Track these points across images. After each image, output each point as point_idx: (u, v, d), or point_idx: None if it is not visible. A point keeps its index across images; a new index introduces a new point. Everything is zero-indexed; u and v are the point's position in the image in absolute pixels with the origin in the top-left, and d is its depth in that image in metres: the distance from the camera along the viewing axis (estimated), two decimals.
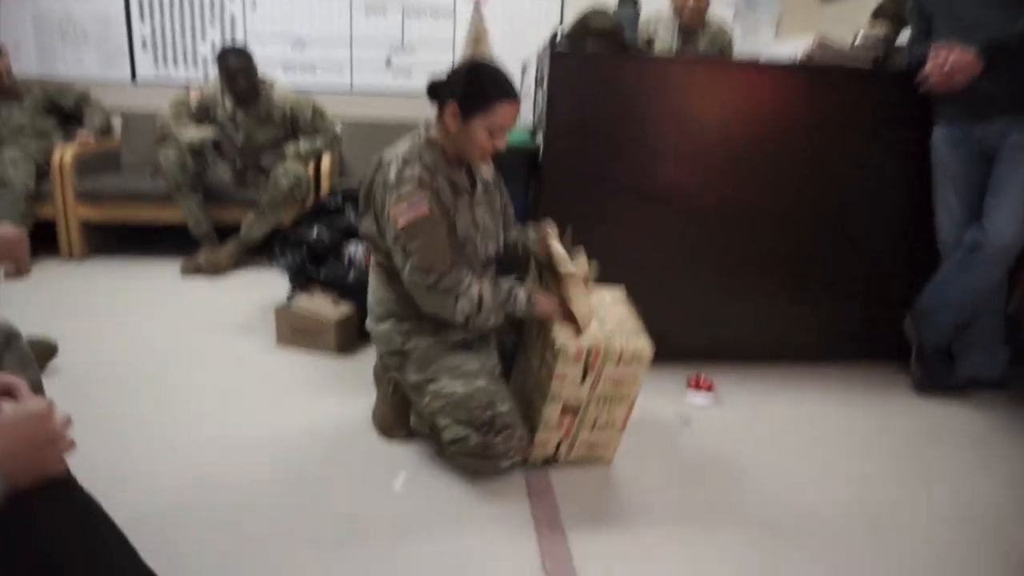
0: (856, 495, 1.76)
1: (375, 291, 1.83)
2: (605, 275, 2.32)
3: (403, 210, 1.62)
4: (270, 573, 1.38)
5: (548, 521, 1.58)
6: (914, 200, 2.44)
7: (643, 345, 1.67)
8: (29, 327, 2.39)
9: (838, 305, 2.54)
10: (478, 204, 1.78)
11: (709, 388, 2.29)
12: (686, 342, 2.49)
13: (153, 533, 1.46)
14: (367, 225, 1.75)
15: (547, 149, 2.32)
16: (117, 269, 3.49)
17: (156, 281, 3.30)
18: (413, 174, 1.62)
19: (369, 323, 1.85)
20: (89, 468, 1.66)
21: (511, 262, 1.93)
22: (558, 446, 1.75)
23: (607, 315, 1.76)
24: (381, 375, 1.90)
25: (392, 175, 1.64)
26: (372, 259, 1.83)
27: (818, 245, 2.47)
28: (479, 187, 1.79)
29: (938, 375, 2.37)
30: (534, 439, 1.72)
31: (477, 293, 1.65)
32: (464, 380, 1.68)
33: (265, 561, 1.42)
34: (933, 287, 2.33)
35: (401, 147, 1.69)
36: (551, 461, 1.78)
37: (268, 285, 3.15)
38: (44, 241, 3.50)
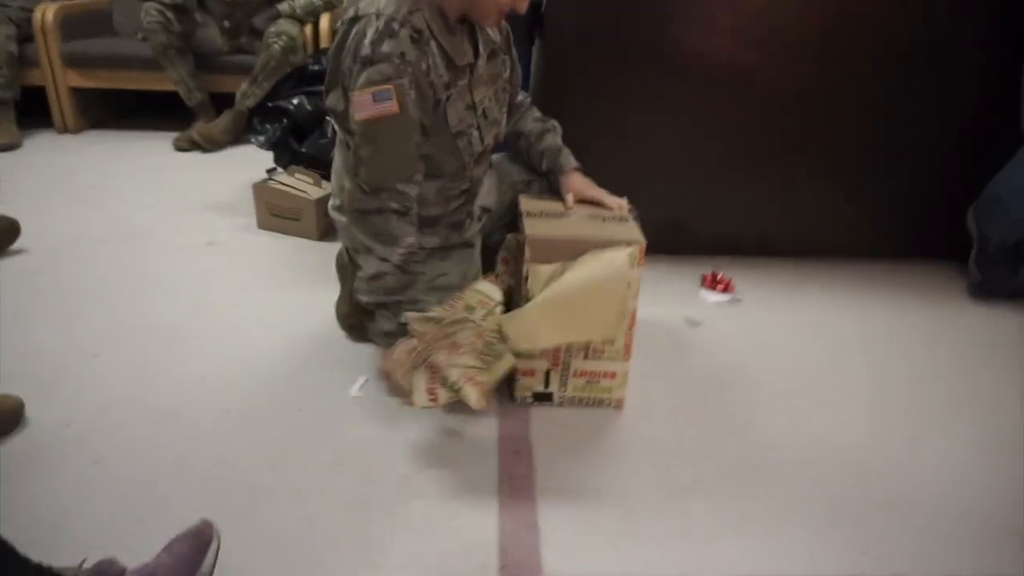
0: (880, 419, 1.53)
1: (339, 175, 1.54)
2: (609, 154, 2.02)
3: (366, 101, 1.29)
4: (208, 474, 1.26)
5: (513, 441, 1.41)
6: (985, 76, 2.00)
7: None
8: (8, 203, 2.30)
9: (884, 194, 2.16)
10: (479, 83, 1.44)
11: (726, 287, 2.02)
12: (703, 234, 2.20)
13: (98, 427, 1.39)
14: (334, 99, 1.42)
15: (552, 4, 1.95)
16: (111, 142, 3.30)
17: (148, 156, 3.12)
18: (393, 51, 1.27)
19: (331, 209, 1.60)
20: (37, 357, 1.59)
21: (517, 153, 1.66)
22: (547, 377, 1.48)
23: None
24: (345, 266, 1.68)
25: (367, 43, 1.28)
26: (338, 135, 1.53)
27: (863, 124, 2.07)
28: (482, 57, 1.44)
29: (999, 278, 2.04)
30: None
31: (393, 267, 1.40)
32: (438, 294, 1.45)
33: (204, 461, 1.30)
34: (1006, 173, 1.95)
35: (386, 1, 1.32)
36: (545, 399, 1.51)
37: (264, 163, 2.93)
38: (36, 111, 3.32)
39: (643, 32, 1.94)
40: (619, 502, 1.27)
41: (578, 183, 1.56)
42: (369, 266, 1.44)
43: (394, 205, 1.37)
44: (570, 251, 1.37)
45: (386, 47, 1.27)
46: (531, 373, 1.47)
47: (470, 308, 1.37)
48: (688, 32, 1.94)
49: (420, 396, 1.29)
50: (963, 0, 1.92)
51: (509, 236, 1.55)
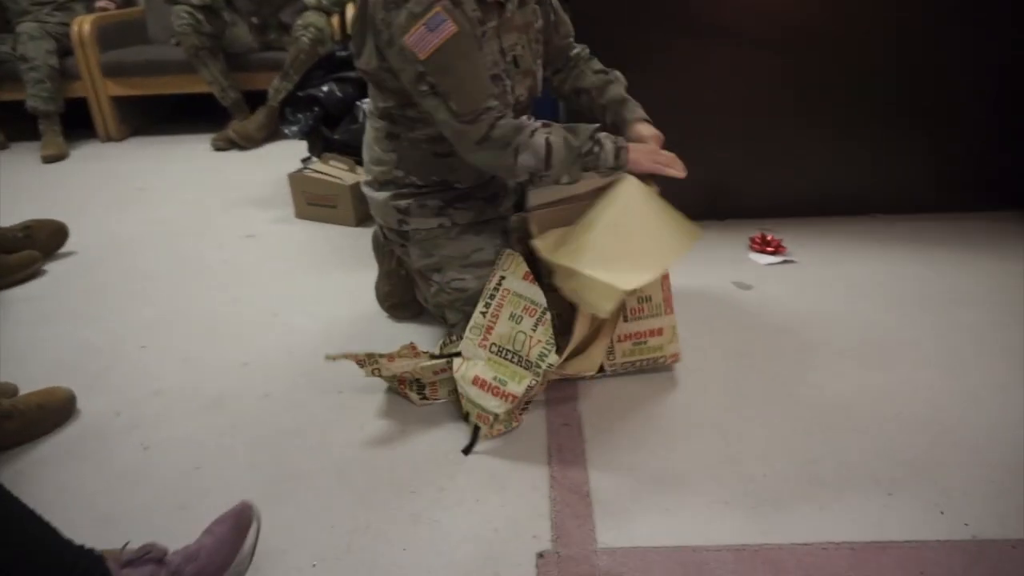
0: (946, 375, 1.43)
1: (371, 147, 1.48)
2: (650, 118, 1.94)
3: (422, 35, 1.19)
4: (251, 458, 1.25)
5: (562, 413, 1.36)
6: None
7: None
8: (58, 209, 2.36)
9: (938, 146, 2.04)
10: (508, 27, 1.34)
11: (777, 248, 1.93)
12: (748, 197, 2.11)
13: (145, 416, 1.40)
14: (367, 59, 1.33)
15: None
16: (153, 147, 3.37)
17: (189, 158, 3.17)
18: None
19: (364, 187, 1.54)
20: (87, 351, 1.62)
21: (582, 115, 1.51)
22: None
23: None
24: (382, 245, 1.64)
25: None
26: (369, 104, 1.48)
27: (916, 72, 1.94)
28: (512, 1, 1.34)
29: None
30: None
31: (544, 142, 1.26)
32: (475, 271, 1.41)
33: (247, 446, 1.29)
34: None
35: None
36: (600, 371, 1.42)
37: (300, 155, 2.94)
38: (81, 122, 3.41)
39: None
40: (672, 471, 1.21)
41: (645, 134, 1.43)
42: (525, 167, 1.29)
43: (503, 131, 1.26)
44: (569, 212, 1.32)
45: None
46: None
47: (516, 318, 1.32)
48: None
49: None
50: None
51: (514, 217, 1.49)
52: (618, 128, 1.47)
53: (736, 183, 2.09)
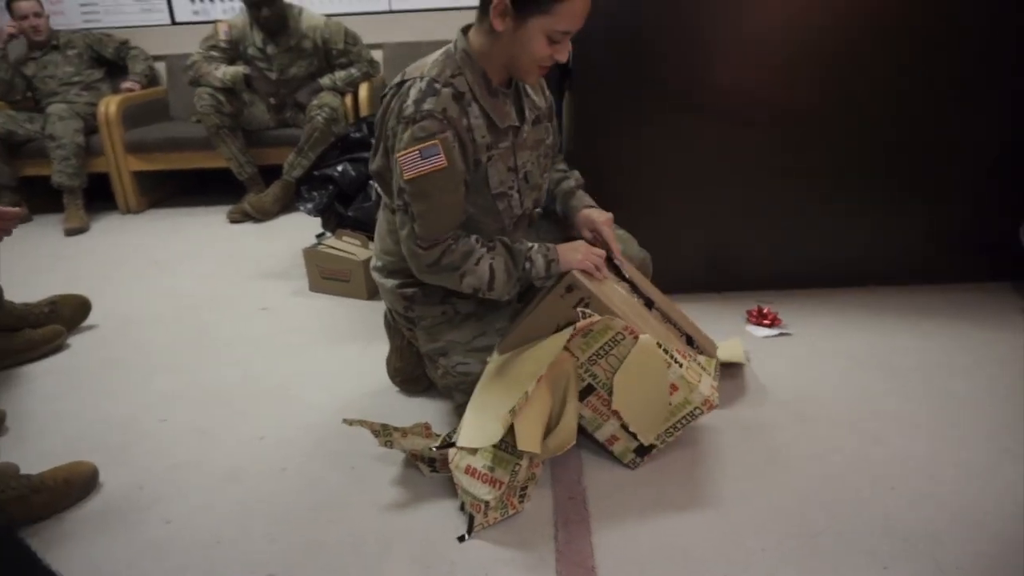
0: (943, 447, 1.48)
1: (382, 238, 1.60)
2: (648, 196, 2.04)
3: (413, 158, 1.30)
4: (268, 531, 1.30)
5: (567, 486, 1.41)
6: None
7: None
8: (79, 282, 2.45)
9: (932, 218, 2.14)
10: (523, 147, 1.46)
11: (773, 321, 2.00)
12: (745, 270, 2.20)
13: (167, 489, 1.45)
14: (378, 162, 1.47)
15: (580, 53, 2.00)
16: (170, 220, 3.49)
17: (206, 230, 3.29)
18: (435, 107, 1.29)
19: (374, 272, 1.65)
20: (109, 425, 1.68)
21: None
22: (626, 430, 1.42)
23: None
24: (392, 325, 1.73)
25: (410, 103, 1.31)
26: (382, 200, 1.59)
27: (910, 145, 2.05)
28: (527, 120, 1.46)
29: None
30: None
31: (488, 269, 1.38)
32: (478, 356, 1.49)
33: (264, 519, 1.33)
34: None
35: (430, 63, 1.38)
36: (646, 450, 1.43)
37: (314, 229, 3.06)
38: (102, 195, 3.55)
39: (671, 75, 1.98)
40: (674, 545, 1.25)
41: (594, 216, 1.55)
42: (470, 287, 1.41)
43: (452, 260, 1.38)
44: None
45: (428, 104, 1.30)
46: (613, 440, 1.45)
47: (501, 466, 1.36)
48: (716, 71, 1.98)
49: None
50: (1010, 23, 1.91)
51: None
52: (567, 215, 1.61)
53: (733, 255, 2.18)
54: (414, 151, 1.31)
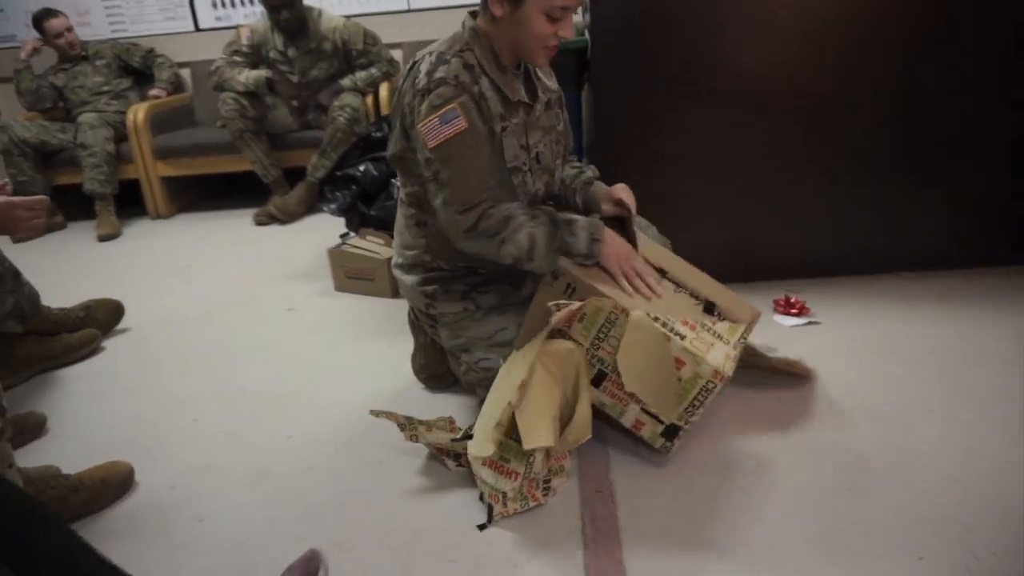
0: (971, 433, 1.44)
1: (401, 233, 1.60)
2: (670, 187, 2.03)
3: (434, 126, 1.31)
4: (296, 530, 1.32)
5: (594, 479, 1.41)
6: None
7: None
8: (113, 287, 2.51)
9: (963, 200, 2.08)
10: (534, 126, 1.46)
11: (801, 310, 1.97)
12: (774, 256, 2.17)
13: (199, 488, 1.48)
14: (395, 145, 1.46)
15: (597, 43, 2.00)
16: (199, 224, 3.56)
17: (232, 233, 3.34)
18: (447, 74, 1.31)
19: (395, 269, 1.65)
20: (143, 425, 1.72)
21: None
22: (649, 413, 1.38)
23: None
24: (415, 323, 1.74)
25: (422, 75, 1.33)
26: (400, 190, 1.59)
27: (934, 130, 2.00)
28: (540, 102, 1.47)
29: None
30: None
31: (527, 237, 1.34)
32: (500, 350, 1.48)
33: (293, 517, 1.35)
34: None
35: (438, 43, 1.39)
36: (674, 431, 1.38)
37: (338, 229, 3.09)
38: (132, 201, 3.63)
39: (691, 65, 1.97)
40: (704, 537, 1.24)
41: (618, 188, 1.54)
42: (509, 256, 1.37)
43: (491, 224, 1.34)
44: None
45: (440, 72, 1.32)
46: (639, 426, 1.41)
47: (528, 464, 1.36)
48: (736, 61, 1.95)
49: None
50: None
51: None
52: (588, 205, 1.59)
53: (760, 245, 2.16)
54: (434, 118, 1.31)
